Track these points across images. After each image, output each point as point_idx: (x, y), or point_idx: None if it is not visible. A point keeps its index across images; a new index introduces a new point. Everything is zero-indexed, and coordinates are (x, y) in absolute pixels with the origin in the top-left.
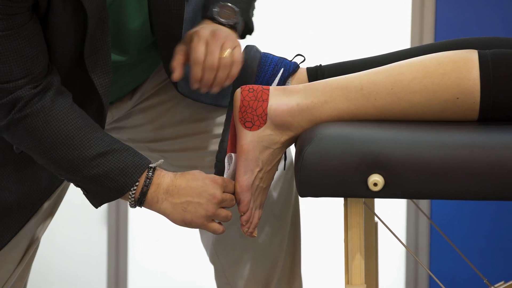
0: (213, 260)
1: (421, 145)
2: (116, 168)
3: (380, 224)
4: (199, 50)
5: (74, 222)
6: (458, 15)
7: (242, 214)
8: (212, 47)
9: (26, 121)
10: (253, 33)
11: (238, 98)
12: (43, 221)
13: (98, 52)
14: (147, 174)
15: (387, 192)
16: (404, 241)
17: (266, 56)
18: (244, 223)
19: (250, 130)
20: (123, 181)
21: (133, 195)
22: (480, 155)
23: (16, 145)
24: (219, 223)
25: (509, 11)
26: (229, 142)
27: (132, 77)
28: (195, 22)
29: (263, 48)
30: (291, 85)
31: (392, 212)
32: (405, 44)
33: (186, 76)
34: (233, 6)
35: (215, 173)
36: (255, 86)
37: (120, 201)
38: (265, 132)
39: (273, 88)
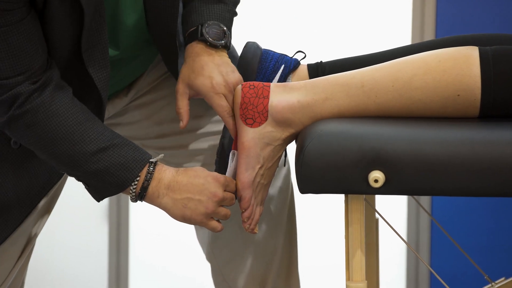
0: (209, 258)
1: (422, 142)
2: (116, 163)
3: (381, 221)
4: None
5: (75, 217)
6: (459, 12)
7: (244, 210)
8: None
9: (26, 117)
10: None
11: (239, 95)
12: (40, 218)
13: (95, 46)
14: (148, 169)
15: (388, 189)
16: (405, 237)
17: (267, 53)
18: (245, 220)
19: (251, 127)
20: (123, 176)
21: (134, 190)
22: (481, 151)
23: (17, 140)
24: (218, 221)
25: (510, 8)
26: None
27: (127, 72)
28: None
29: (263, 45)
30: (292, 82)
31: (393, 209)
32: (406, 40)
33: None
34: (222, 26)
35: (215, 170)
36: (256, 83)
37: (121, 196)
38: (266, 129)
39: (274, 84)
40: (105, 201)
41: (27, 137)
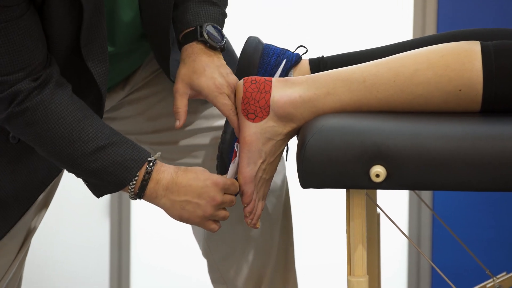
0: (205, 254)
1: (423, 136)
2: (115, 162)
3: (382, 216)
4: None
5: (76, 214)
6: (460, 6)
7: (246, 205)
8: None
9: (25, 115)
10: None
11: (241, 90)
12: (38, 212)
13: (94, 41)
14: (146, 169)
15: (389, 183)
16: (406, 232)
17: (269, 48)
18: (247, 215)
19: (253, 122)
20: (122, 175)
21: (132, 189)
22: (483, 146)
23: (17, 136)
24: (216, 221)
25: (511, 3)
26: None
27: (123, 66)
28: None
29: (265, 39)
30: (294, 77)
31: (394, 204)
32: (408, 35)
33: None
34: (219, 28)
35: (217, 165)
36: (258, 78)
37: (123, 193)
38: (268, 124)
39: (276, 79)
40: (107, 197)
41: (26, 134)
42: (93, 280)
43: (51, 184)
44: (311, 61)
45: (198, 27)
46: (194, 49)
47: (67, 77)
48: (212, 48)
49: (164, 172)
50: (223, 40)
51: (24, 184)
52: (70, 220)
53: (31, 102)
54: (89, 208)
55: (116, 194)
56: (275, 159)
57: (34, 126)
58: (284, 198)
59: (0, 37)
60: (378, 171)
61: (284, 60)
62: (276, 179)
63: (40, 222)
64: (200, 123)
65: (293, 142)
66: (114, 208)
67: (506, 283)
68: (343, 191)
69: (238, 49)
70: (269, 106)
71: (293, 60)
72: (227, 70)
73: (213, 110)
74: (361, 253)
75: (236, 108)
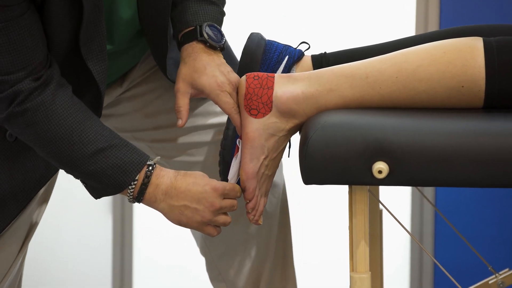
0: (203, 252)
1: (426, 133)
2: (114, 165)
3: (384, 212)
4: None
5: (79, 212)
6: (462, 2)
7: (248, 201)
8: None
9: (25, 115)
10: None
11: (243, 86)
12: (39, 206)
13: (93, 40)
14: (145, 172)
15: (392, 180)
16: (408, 228)
17: (271, 44)
18: (250, 211)
19: (255, 118)
20: (120, 178)
21: (131, 193)
22: (485, 142)
23: (17, 136)
24: (216, 226)
25: None
26: None
27: (121, 64)
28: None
29: (268, 36)
30: (296, 73)
31: (397, 200)
32: (410, 31)
33: (176, 62)
34: (219, 28)
35: (219, 161)
36: (260, 74)
37: None
38: (271, 120)
39: (278, 75)
40: None
41: (26, 134)
42: (95, 277)
43: (48, 182)
44: (314, 57)
45: (198, 27)
46: (194, 48)
47: (66, 76)
48: (212, 47)
49: (164, 177)
50: (222, 39)
51: (21, 182)
52: (72, 217)
53: (32, 102)
54: (92, 206)
55: None
56: (277, 155)
57: (34, 127)
58: (282, 195)
59: (1, 37)
60: (380, 167)
61: (287, 56)
62: (275, 177)
63: (41, 217)
64: (197, 121)
65: (296, 139)
66: (116, 205)
67: (508, 279)
68: (345, 188)
69: (240, 45)
70: (271, 102)
71: (296, 56)
72: (227, 68)
73: (209, 108)
74: (363, 250)
75: (238, 105)
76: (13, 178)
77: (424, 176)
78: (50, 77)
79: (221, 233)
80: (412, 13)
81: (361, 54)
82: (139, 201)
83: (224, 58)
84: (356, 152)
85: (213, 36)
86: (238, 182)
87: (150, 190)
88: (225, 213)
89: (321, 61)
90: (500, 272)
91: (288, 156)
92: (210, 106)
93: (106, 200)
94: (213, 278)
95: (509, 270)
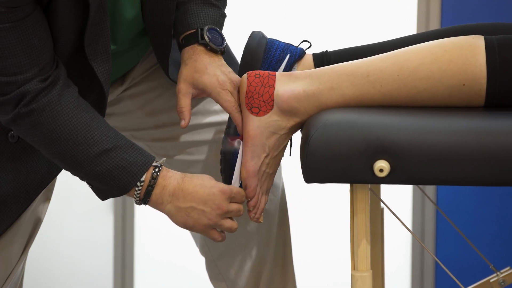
0: (203, 251)
1: (427, 131)
2: (119, 166)
3: (386, 210)
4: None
5: (80, 210)
6: (464, 1)
7: (249, 199)
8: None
9: (32, 116)
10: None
11: (245, 84)
12: (42, 205)
13: (97, 40)
14: (152, 174)
15: (393, 178)
16: (410, 227)
17: (272, 42)
18: (251, 209)
19: (256, 116)
20: (126, 179)
21: (138, 194)
22: (486, 141)
23: (22, 137)
24: (221, 231)
25: None
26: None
27: (122, 63)
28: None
29: (269, 34)
30: (298, 71)
31: (398, 198)
32: (411, 30)
33: (177, 62)
34: (220, 31)
35: (221, 159)
36: (262, 72)
37: None
38: (272, 118)
39: (280, 73)
40: None
41: (32, 135)
42: (97, 276)
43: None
44: (315, 55)
45: (199, 30)
46: (195, 50)
47: (70, 77)
48: (213, 51)
49: (171, 178)
50: (223, 43)
51: (23, 183)
52: (74, 215)
53: (38, 103)
54: (93, 205)
55: None
56: (278, 153)
57: (40, 127)
58: (281, 194)
59: (8, 37)
60: (382, 166)
61: (288, 55)
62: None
63: (44, 215)
64: (198, 119)
65: (297, 137)
66: (118, 203)
67: (509, 278)
68: (346, 186)
69: (242, 44)
70: (273, 100)
71: (297, 54)
72: (228, 68)
73: (209, 106)
74: (365, 248)
75: (239, 104)
76: (15, 179)
77: (425, 174)
78: (57, 77)
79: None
80: (414, 12)
81: (362, 52)
82: (145, 203)
83: (224, 60)
84: (358, 150)
85: (214, 40)
86: (241, 185)
87: (156, 191)
88: (231, 218)
89: (322, 59)
90: (502, 271)
91: (290, 155)
92: (210, 104)
93: (108, 199)
94: (213, 277)
95: (511, 268)
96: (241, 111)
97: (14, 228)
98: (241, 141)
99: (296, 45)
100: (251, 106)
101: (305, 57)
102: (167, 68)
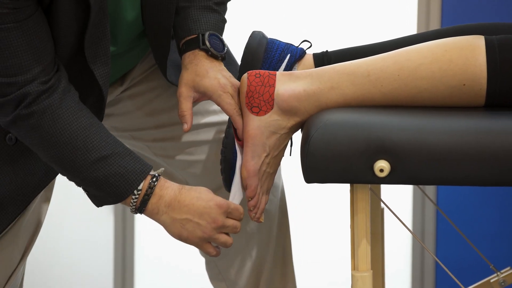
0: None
1: (427, 131)
2: (116, 174)
3: (386, 210)
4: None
5: (80, 210)
6: (464, 1)
7: (250, 199)
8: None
9: (32, 118)
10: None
11: (245, 83)
12: (42, 205)
13: (98, 43)
14: (149, 183)
15: (393, 178)
16: (410, 227)
17: (273, 42)
18: (251, 209)
19: (257, 115)
20: (122, 187)
21: (134, 203)
22: (486, 141)
23: (21, 139)
24: (217, 246)
25: None
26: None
27: (122, 65)
28: None
29: (269, 34)
30: (298, 71)
31: (398, 198)
32: (412, 29)
33: (175, 64)
34: (221, 37)
35: (221, 159)
36: (262, 71)
37: None
38: (272, 117)
39: (280, 73)
40: None
41: (31, 138)
42: (97, 276)
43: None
44: (315, 55)
45: (200, 36)
46: (196, 55)
47: (70, 77)
48: (214, 57)
49: (168, 189)
50: (224, 49)
51: (20, 185)
52: (74, 215)
53: (39, 105)
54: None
55: None
56: (279, 153)
57: (39, 130)
58: (281, 194)
59: (9, 38)
60: (382, 165)
61: (288, 55)
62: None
63: (45, 216)
64: (197, 119)
65: (297, 137)
66: (118, 204)
67: (510, 278)
68: (346, 186)
69: (242, 44)
70: (273, 99)
71: (297, 54)
72: (229, 73)
73: (209, 106)
74: (365, 248)
75: (240, 108)
76: (12, 181)
77: (426, 174)
78: (58, 81)
79: None
80: (414, 12)
81: (363, 52)
82: (141, 212)
83: (225, 63)
84: (358, 150)
85: (215, 46)
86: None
87: (153, 201)
88: (227, 234)
89: (323, 59)
90: (502, 271)
91: (290, 155)
92: (209, 104)
93: None
94: (213, 278)
95: (511, 268)
96: (242, 114)
97: (15, 229)
98: (240, 146)
99: (296, 45)
100: (251, 105)
101: (306, 57)
102: (165, 70)
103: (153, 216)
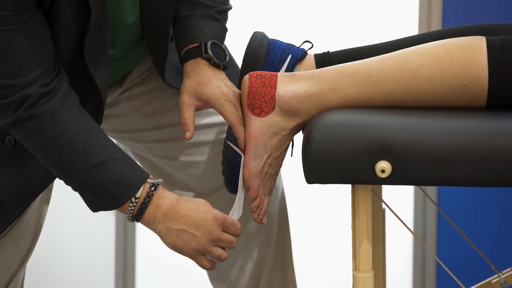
0: None
1: (428, 132)
2: (113, 180)
3: (387, 211)
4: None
5: (82, 210)
6: (466, 1)
7: (252, 200)
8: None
9: (32, 121)
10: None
11: (246, 85)
12: (42, 207)
13: (98, 47)
14: (147, 192)
15: (395, 179)
16: (411, 228)
17: (274, 43)
18: (254, 210)
19: (258, 116)
20: (119, 194)
21: (131, 211)
22: (488, 141)
23: (20, 142)
24: (212, 260)
25: None
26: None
27: (120, 68)
28: None
29: (271, 35)
30: (299, 72)
31: (400, 199)
32: (413, 30)
33: (173, 66)
34: (223, 46)
35: (223, 160)
36: (263, 73)
37: None
38: (274, 119)
39: (281, 74)
40: None
41: (30, 140)
42: (98, 276)
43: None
44: (317, 56)
45: (203, 44)
46: (198, 64)
47: (70, 80)
48: (216, 66)
49: (165, 198)
50: (226, 58)
51: (19, 188)
52: (75, 217)
53: (40, 108)
54: None
55: None
56: (280, 154)
57: (39, 133)
58: (281, 195)
59: (9, 40)
60: (383, 166)
61: (290, 55)
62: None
63: (45, 217)
64: (198, 120)
65: (298, 138)
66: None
67: (511, 279)
68: (348, 187)
69: (243, 44)
70: (274, 100)
71: (299, 55)
72: (231, 83)
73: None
74: (366, 249)
75: (242, 117)
76: (11, 184)
77: (427, 175)
78: (59, 84)
79: None
80: (415, 12)
81: (364, 53)
82: (137, 220)
83: (229, 74)
84: (359, 151)
85: (217, 55)
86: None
87: (150, 209)
88: (223, 248)
89: (324, 60)
90: (503, 272)
91: (291, 155)
92: None
93: None
94: (213, 278)
95: None
96: (244, 124)
97: (14, 230)
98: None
99: (298, 45)
100: (252, 107)
101: (307, 57)
102: (164, 73)
103: (149, 225)
